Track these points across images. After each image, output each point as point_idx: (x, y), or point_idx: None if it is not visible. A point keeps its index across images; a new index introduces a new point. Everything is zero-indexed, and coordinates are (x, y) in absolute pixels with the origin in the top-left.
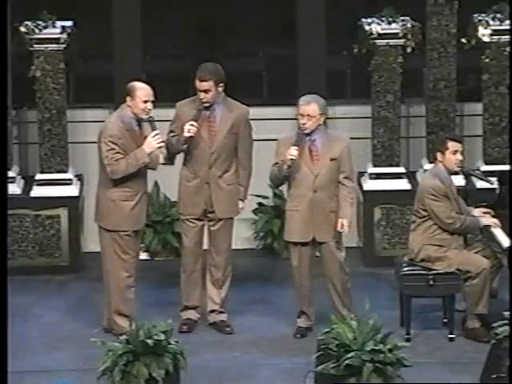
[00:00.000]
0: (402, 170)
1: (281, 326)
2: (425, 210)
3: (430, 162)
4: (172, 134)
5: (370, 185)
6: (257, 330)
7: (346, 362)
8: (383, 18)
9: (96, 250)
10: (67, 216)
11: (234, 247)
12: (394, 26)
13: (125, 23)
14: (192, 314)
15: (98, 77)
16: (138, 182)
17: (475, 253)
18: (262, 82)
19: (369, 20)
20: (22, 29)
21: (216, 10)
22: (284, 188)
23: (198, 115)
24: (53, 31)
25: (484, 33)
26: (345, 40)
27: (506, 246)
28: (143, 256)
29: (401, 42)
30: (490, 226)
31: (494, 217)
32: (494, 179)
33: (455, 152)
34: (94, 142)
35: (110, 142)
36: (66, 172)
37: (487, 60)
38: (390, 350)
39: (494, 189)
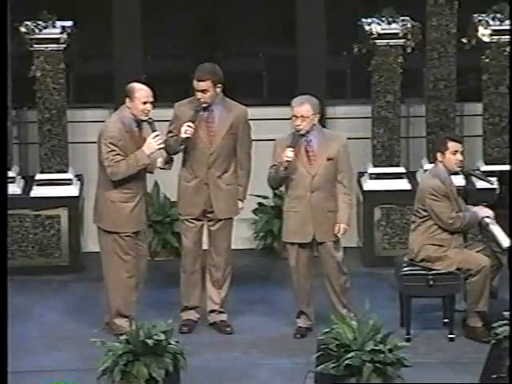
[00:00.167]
0: (402, 170)
1: (281, 326)
2: (425, 210)
3: (430, 162)
4: (171, 135)
5: (370, 185)
6: (257, 330)
7: (346, 361)
8: (383, 18)
9: (96, 250)
10: (67, 216)
11: (233, 247)
12: (394, 25)
13: (125, 23)
14: (192, 315)
15: (98, 77)
16: (138, 184)
17: (475, 252)
18: (262, 82)
19: (369, 20)
20: (22, 29)
21: (216, 10)
22: (284, 188)
23: (196, 116)
24: (53, 31)
25: (484, 33)
26: (345, 40)
27: (505, 246)
28: None
29: (401, 42)
30: (488, 223)
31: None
32: (494, 179)
33: (455, 152)
34: (94, 142)
35: (110, 143)
36: (66, 172)
37: (487, 60)
38: (390, 350)
39: (494, 189)
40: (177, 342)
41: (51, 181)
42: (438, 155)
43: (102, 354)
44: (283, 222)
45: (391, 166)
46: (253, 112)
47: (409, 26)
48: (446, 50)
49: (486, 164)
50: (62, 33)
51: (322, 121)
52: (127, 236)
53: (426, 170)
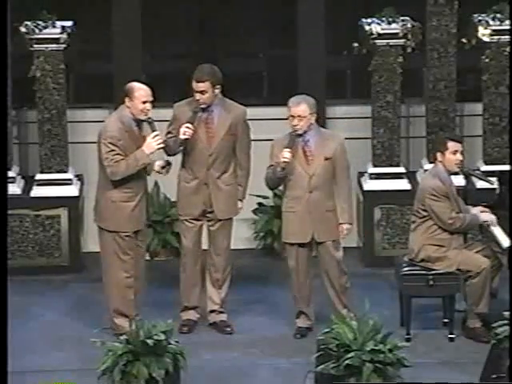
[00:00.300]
0: (402, 169)
1: (281, 326)
2: (425, 210)
3: (430, 162)
4: (170, 136)
5: (370, 185)
6: (257, 330)
7: (346, 362)
8: (383, 18)
9: (96, 250)
10: (67, 216)
11: (233, 247)
12: (394, 25)
13: (125, 23)
14: (192, 315)
15: (98, 77)
16: (138, 183)
17: (475, 253)
18: (262, 82)
19: (369, 20)
20: (22, 29)
21: (216, 10)
22: (282, 189)
23: (194, 117)
24: (53, 31)
25: (484, 33)
26: (345, 40)
27: (505, 246)
28: None
29: (401, 42)
30: (489, 223)
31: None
32: (494, 179)
33: (455, 152)
34: (94, 142)
35: (109, 143)
36: (66, 172)
37: (487, 60)
38: (390, 350)
39: (494, 189)
40: (177, 341)
41: (51, 181)
42: (438, 155)
43: (102, 354)
44: (282, 222)
45: (391, 166)
46: (253, 112)
47: (409, 26)
48: (446, 50)
49: (486, 164)
50: (62, 33)
51: (322, 121)
52: (127, 236)
53: (426, 170)
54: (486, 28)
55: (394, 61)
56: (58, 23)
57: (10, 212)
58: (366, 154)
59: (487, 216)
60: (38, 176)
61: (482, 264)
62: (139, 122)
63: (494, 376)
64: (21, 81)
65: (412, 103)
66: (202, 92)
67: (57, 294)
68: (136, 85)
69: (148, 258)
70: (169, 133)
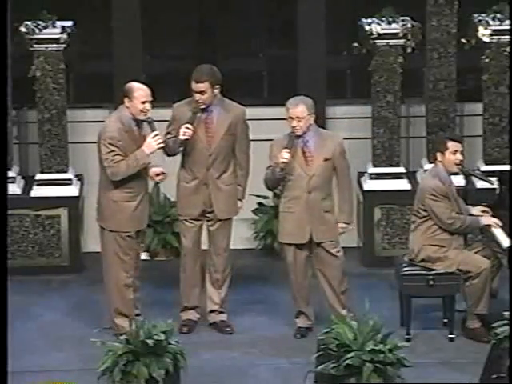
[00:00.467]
0: (402, 169)
1: (281, 326)
2: (425, 210)
3: (430, 162)
4: (169, 136)
5: (370, 185)
6: (256, 330)
7: (346, 362)
8: (383, 18)
9: (96, 250)
10: (67, 216)
11: (233, 247)
12: (394, 26)
13: (125, 23)
14: (192, 315)
15: (98, 77)
16: (139, 183)
17: (475, 253)
18: (262, 82)
19: (369, 20)
20: (22, 29)
21: (216, 11)
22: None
23: (193, 118)
24: (53, 31)
25: (484, 33)
26: (345, 40)
27: (505, 246)
28: (143, 256)
29: (401, 42)
30: (489, 225)
31: (493, 217)
32: (494, 179)
33: (455, 152)
34: (94, 142)
35: (109, 144)
36: (65, 172)
37: (487, 60)
38: (390, 350)
39: (494, 189)
40: (177, 341)
41: (51, 181)
42: (438, 155)
43: (102, 354)
44: (279, 222)
45: (391, 165)
46: (253, 112)
47: (409, 26)
48: (446, 50)
49: (486, 164)
50: (62, 33)
51: (322, 121)
52: (128, 236)
53: (426, 170)
54: (485, 28)
55: (394, 61)
56: (58, 23)
57: (10, 212)
58: (365, 154)
59: (488, 220)
60: (38, 176)
61: (482, 264)
62: (139, 122)
63: (494, 376)
64: (21, 81)
65: (412, 103)
66: (201, 92)
67: (57, 294)
68: (135, 85)
69: (148, 257)
70: (168, 133)
